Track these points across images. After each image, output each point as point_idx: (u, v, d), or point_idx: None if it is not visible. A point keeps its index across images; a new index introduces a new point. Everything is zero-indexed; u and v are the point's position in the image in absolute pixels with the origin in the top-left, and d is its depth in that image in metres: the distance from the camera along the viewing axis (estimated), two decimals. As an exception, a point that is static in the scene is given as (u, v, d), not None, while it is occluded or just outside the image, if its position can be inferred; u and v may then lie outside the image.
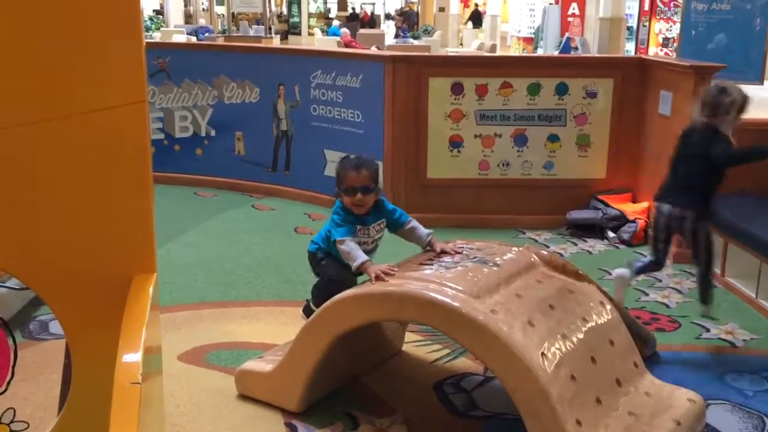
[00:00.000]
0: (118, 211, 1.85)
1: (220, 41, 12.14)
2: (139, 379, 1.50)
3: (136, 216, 1.88)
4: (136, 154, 1.85)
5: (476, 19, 25.24)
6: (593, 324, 2.68)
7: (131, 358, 1.57)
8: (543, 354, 2.37)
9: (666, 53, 12.72)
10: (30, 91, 1.70)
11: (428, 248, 3.06)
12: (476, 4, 26.16)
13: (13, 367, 1.91)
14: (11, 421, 1.96)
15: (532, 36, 17.71)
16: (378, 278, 2.72)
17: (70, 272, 1.82)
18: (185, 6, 26.05)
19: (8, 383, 1.91)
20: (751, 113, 3.62)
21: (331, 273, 3.21)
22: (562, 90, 5.23)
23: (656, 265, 3.73)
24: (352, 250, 2.98)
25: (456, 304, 2.43)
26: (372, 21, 27.48)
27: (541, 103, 5.24)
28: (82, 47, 1.74)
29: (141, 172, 1.86)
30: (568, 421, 2.27)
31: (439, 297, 2.47)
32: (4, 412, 1.94)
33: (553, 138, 5.30)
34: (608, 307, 2.83)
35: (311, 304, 3.43)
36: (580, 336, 2.58)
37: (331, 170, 5.67)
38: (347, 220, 3.12)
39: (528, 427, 2.32)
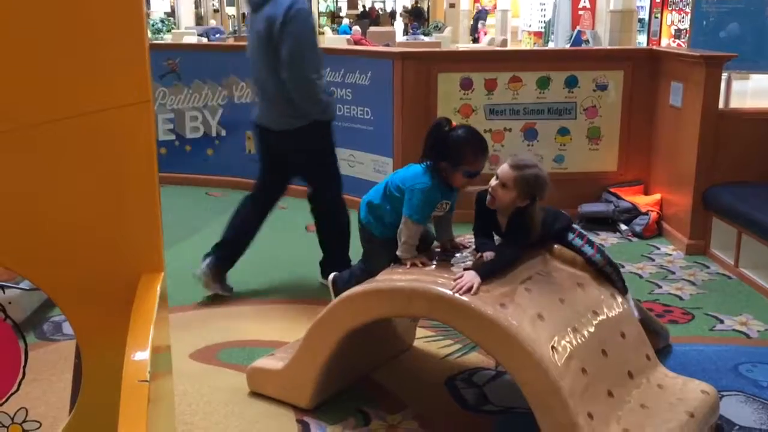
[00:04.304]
0: (124, 210, 1.86)
1: (231, 42, 12.16)
2: (147, 376, 1.50)
3: (143, 215, 1.88)
4: (141, 153, 1.85)
5: (418, 15, 25.14)
6: (604, 317, 2.67)
7: (139, 356, 1.58)
8: (553, 347, 2.36)
9: (678, 44, 12.61)
10: (34, 93, 1.71)
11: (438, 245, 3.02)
12: (416, 2, 26.02)
13: (24, 367, 1.92)
14: (24, 421, 1.97)
15: (543, 30, 17.64)
16: (413, 265, 2.74)
17: (78, 272, 1.83)
18: (196, 7, 26.12)
19: (20, 383, 1.93)
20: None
21: (376, 267, 2.92)
22: (571, 83, 5.21)
23: None
24: (414, 239, 2.80)
25: (465, 298, 2.43)
26: (377, 18, 27.46)
27: (551, 97, 5.22)
28: (86, 47, 1.74)
29: (147, 171, 1.87)
30: (579, 414, 2.26)
31: (448, 292, 2.47)
32: (17, 411, 1.96)
33: (564, 131, 5.27)
34: (619, 299, 2.82)
35: (334, 281, 3.25)
36: (591, 329, 2.57)
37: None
38: (434, 197, 2.83)
39: (539, 421, 2.31)
